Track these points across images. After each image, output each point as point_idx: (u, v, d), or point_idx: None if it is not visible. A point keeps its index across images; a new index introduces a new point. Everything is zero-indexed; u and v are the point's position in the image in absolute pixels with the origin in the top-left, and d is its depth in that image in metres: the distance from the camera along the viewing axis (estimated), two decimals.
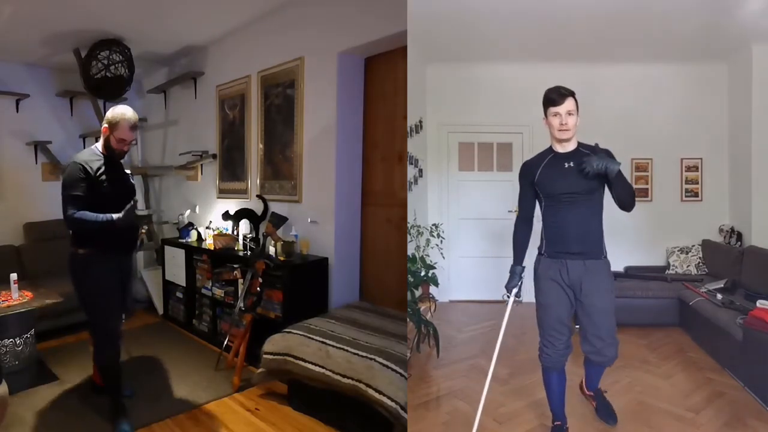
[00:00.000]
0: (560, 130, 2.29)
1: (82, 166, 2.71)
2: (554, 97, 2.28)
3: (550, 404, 2.57)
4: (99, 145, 2.88)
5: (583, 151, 2.33)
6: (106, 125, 2.81)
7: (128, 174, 3.05)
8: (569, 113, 2.27)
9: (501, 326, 2.45)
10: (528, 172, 2.42)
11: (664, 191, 5.29)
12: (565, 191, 2.32)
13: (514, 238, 2.51)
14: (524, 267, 2.47)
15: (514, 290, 2.46)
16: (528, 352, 3.75)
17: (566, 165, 2.33)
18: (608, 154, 2.27)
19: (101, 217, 2.67)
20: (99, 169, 2.76)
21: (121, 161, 2.97)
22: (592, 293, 2.34)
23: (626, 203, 2.30)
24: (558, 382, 2.51)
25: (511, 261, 2.50)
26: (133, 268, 3.27)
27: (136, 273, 3.53)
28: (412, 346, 3.60)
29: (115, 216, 2.67)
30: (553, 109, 2.29)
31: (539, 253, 2.47)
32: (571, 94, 2.29)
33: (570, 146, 2.36)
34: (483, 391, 2.40)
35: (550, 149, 2.41)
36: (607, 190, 2.34)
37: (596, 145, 2.30)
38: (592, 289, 2.34)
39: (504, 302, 2.48)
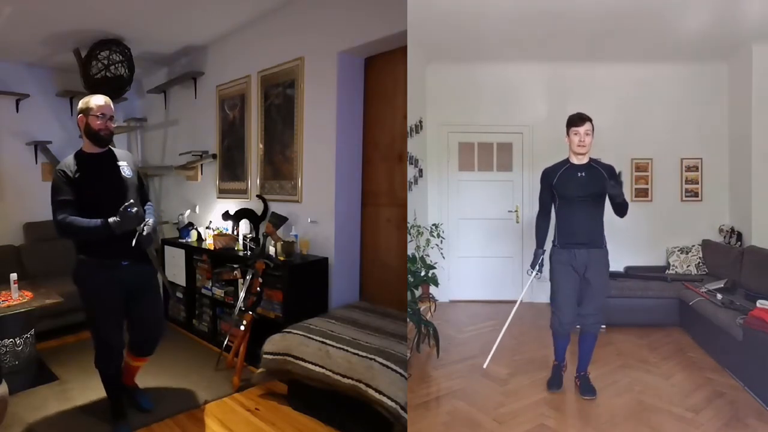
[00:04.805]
0: (579, 146, 2.91)
1: (62, 170, 2.59)
2: (576, 119, 2.91)
3: (555, 352, 3.18)
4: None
5: (594, 165, 2.94)
6: (80, 114, 2.65)
7: (121, 166, 2.74)
8: (587, 134, 2.89)
9: (517, 300, 3.27)
10: (548, 177, 3.03)
11: (664, 191, 5.28)
12: (577, 195, 2.93)
13: (536, 227, 3.14)
14: (544, 250, 3.11)
15: (536, 267, 3.13)
16: (528, 352, 3.75)
17: (579, 174, 2.94)
18: (612, 170, 2.89)
19: (93, 222, 2.49)
20: (76, 170, 2.59)
21: (114, 151, 2.75)
22: (593, 275, 2.97)
23: (621, 214, 2.96)
24: (562, 343, 3.13)
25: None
26: (154, 281, 2.91)
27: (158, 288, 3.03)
28: (412, 346, 3.60)
29: (111, 220, 2.48)
30: (574, 129, 2.91)
31: (553, 244, 3.06)
32: (590, 119, 2.91)
33: (584, 159, 2.98)
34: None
35: (567, 160, 3.00)
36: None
37: (612, 167, 2.91)
38: (594, 272, 2.97)
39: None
